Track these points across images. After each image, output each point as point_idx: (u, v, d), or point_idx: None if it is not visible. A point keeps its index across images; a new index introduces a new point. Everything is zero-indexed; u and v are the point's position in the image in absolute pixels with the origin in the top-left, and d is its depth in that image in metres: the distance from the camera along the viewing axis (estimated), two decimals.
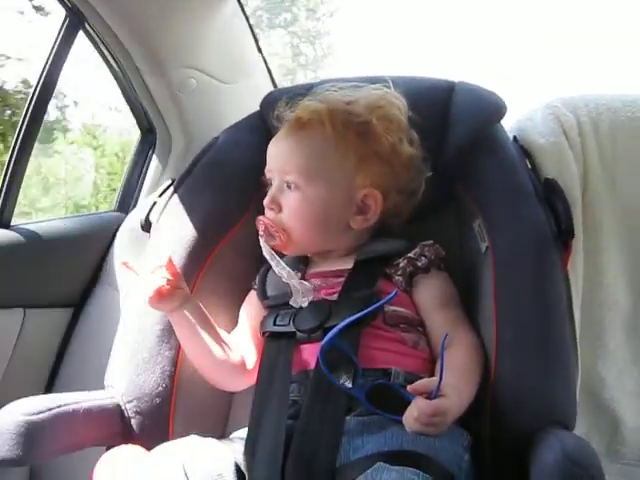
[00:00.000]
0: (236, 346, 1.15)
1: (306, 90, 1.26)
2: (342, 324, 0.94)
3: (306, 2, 7.84)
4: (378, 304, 0.99)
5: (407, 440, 0.89)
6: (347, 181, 1.13)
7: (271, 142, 1.19)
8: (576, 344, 1.19)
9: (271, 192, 1.14)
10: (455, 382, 0.93)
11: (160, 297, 1.06)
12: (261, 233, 1.12)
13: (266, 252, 1.11)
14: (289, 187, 1.13)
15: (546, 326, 1.04)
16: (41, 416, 0.98)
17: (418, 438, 0.89)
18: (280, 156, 1.15)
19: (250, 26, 1.84)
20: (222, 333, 1.15)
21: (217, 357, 1.12)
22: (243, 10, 1.78)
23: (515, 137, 1.28)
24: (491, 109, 1.24)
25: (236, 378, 1.14)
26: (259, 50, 1.92)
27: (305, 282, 1.10)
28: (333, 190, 1.12)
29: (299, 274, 1.14)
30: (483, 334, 1.08)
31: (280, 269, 1.09)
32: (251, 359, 1.15)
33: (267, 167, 1.18)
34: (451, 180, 1.23)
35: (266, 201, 1.14)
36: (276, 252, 1.12)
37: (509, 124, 1.32)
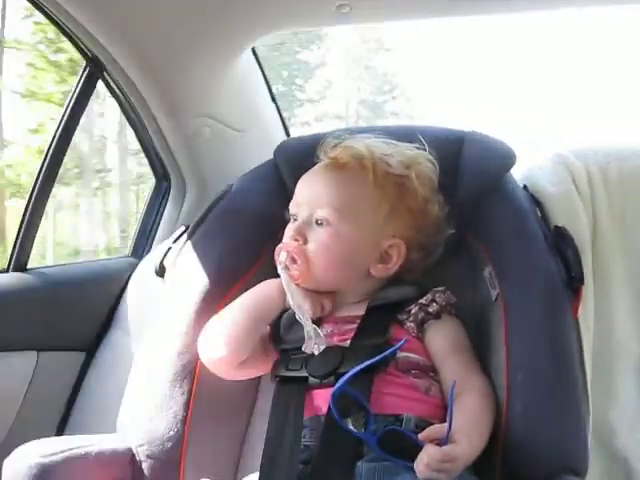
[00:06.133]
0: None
1: (321, 139, 1.23)
2: (353, 371, 0.94)
3: None
4: (389, 352, 0.99)
5: None
6: (377, 228, 1.14)
7: (304, 177, 1.20)
8: (587, 391, 1.19)
9: (297, 224, 1.15)
10: (466, 428, 0.93)
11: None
12: (281, 260, 1.12)
13: (285, 282, 1.10)
14: (318, 223, 1.13)
15: (557, 373, 1.04)
16: (53, 459, 0.99)
17: None
18: (315, 190, 1.16)
19: (265, 76, 1.89)
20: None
21: (259, 332, 1.14)
22: (258, 61, 1.83)
23: (525, 186, 1.30)
24: (500, 160, 1.25)
25: (246, 365, 1.14)
26: (273, 99, 1.96)
27: (319, 330, 1.07)
28: (362, 233, 1.13)
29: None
30: (494, 380, 1.08)
31: (298, 302, 1.08)
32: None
33: (295, 201, 1.18)
34: (462, 229, 1.24)
35: (291, 232, 1.14)
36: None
37: (519, 172, 1.32)
